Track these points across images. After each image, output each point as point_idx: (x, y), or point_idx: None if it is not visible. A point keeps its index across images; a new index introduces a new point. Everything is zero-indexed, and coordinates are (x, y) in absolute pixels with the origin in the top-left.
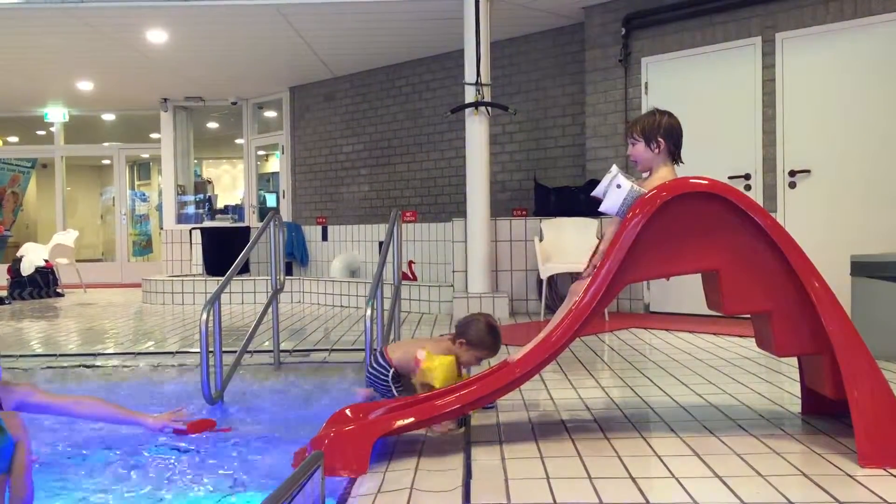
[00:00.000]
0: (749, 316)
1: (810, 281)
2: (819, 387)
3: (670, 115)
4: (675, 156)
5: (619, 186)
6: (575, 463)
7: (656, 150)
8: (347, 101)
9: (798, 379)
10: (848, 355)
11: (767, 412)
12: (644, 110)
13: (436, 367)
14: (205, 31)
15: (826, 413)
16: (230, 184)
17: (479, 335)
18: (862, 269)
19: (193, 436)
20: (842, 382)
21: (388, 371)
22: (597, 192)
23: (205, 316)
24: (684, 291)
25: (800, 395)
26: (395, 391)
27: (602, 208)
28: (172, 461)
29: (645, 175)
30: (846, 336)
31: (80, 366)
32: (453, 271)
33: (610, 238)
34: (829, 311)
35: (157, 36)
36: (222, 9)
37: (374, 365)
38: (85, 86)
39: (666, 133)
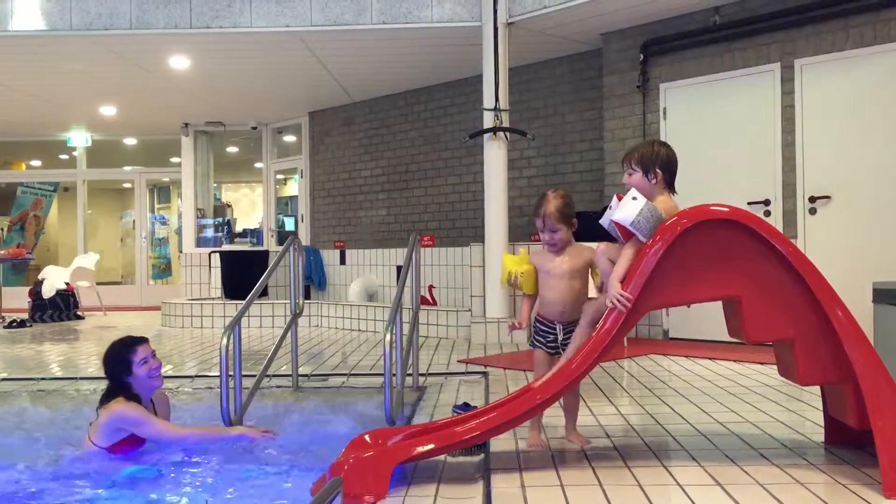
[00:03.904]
0: (771, 343)
1: (833, 309)
2: (842, 416)
3: (668, 146)
4: (670, 186)
5: (634, 199)
6: (596, 492)
7: (654, 181)
8: (366, 126)
9: (821, 408)
10: (872, 384)
11: (790, 441)
12: (663, 136)
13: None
14: (227, 58)
15: (849, 443)
16: (249, 207)
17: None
18: (884, 296)
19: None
20: (865, 412)
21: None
22: (603, 220)
23: (225, 340)
24: (704, 318)
25: (823, 425)
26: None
27: (615, 217)
28: (190, 487)
29: None
30: (870, 365)
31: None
32: (471, 296)
33: (610, 261)
34: (852, 339)
35: (179, 62)
36: (245, 36)
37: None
38: (108, 111)
39: (663, 164)
